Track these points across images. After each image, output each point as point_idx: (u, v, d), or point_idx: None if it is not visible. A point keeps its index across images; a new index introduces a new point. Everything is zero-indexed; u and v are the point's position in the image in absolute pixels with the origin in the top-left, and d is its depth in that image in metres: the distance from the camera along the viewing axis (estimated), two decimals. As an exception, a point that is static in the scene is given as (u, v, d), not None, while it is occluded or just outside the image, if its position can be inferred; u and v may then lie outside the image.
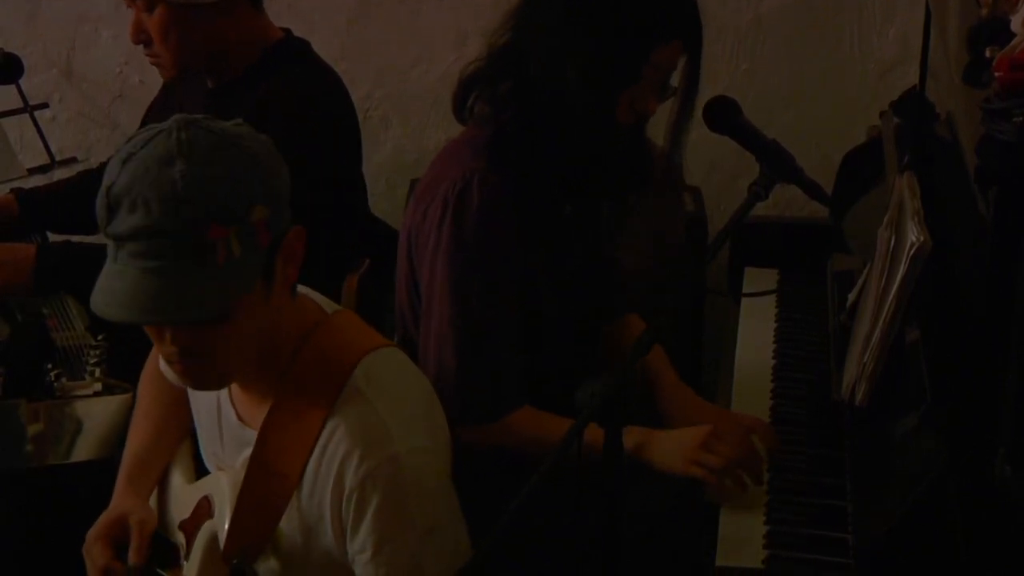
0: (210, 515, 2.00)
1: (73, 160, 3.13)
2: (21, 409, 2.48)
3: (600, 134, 2.30)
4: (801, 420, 2.46)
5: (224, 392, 2.00)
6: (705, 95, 2.28)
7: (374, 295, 2.72)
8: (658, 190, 2.72)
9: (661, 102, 2.35)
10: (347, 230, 2.68)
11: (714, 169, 3.64)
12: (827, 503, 2.20)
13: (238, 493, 1.95)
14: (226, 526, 1.96)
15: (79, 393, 2.50)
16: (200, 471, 2.13)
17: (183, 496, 2.10)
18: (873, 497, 2.08)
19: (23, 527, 2.51)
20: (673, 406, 2.48)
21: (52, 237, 3.03)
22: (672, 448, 2.26)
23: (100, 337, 2.58)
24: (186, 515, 2.06)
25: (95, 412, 2.49)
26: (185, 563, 2.04)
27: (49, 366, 2.54)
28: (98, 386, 2.51)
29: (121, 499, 2.09)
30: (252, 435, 1.95)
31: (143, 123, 2.92)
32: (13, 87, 3.04)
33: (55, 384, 2.50)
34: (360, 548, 1.89)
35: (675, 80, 2.35)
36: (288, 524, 1.94)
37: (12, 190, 3.00)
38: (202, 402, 2.08)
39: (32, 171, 3.08)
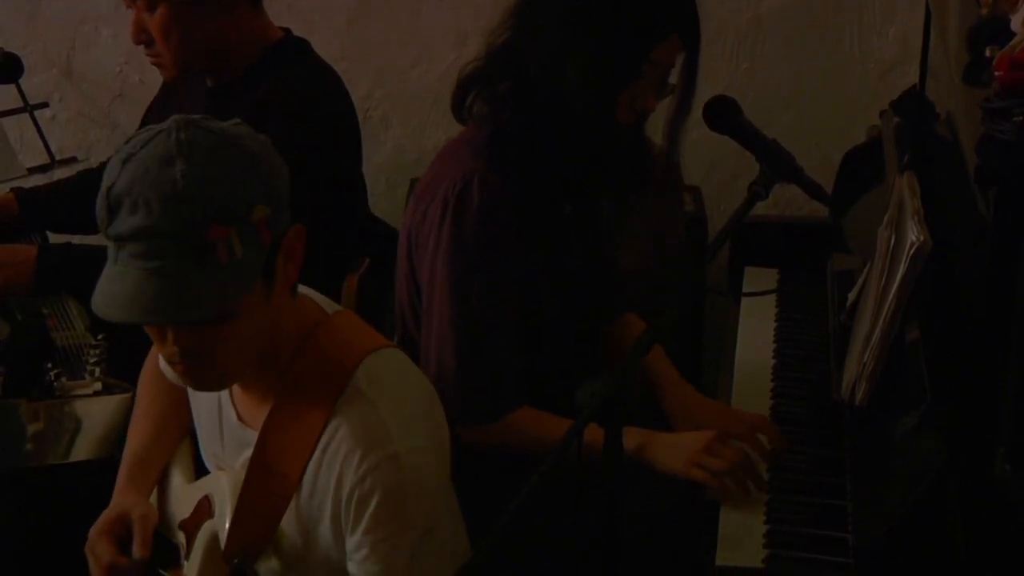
0: (210, 515, 2.00)
1: (73, 160, 3.13)
2: (21, 408, 2.48)
3: (600, 134, 2.30)
4: (801, 420, 2.46)
5: (225, 393, 2.00)
6: (705, 95, 2.28)
7: (374, 295, 2.72)
8: (658, 190, 2.73)
9: (660, 100, 2.35)
10: (347, 230, 2.68)
11: (714, 169, 3.64)
12: (827, 502, 2.20)
13: (239, 493, 1.95)
14: (227, 526, 1.96)
15: (79, 393, 2.50)
16: (200, 471, 2.13)
17: (183, 496, 2.10)
18: (873, 497, 2.08)
19: (23, 527, 2.51)
20: (675, 404, 2.48)
21: (52, 237, 3.04)
22: (675, 450, 2.26)
23: (100, 337, 2.58)
24: (186, 515, 2.06)
25: (95, 412, 2.49)
26: (185, 563, 2.04)
27: (49, 366, 2.54)
28: (98, 386, 2.51)
29: (122, 496, 2.09)
30: (253, 436, 1.95)
31: (143, 123, 2.92)
32: (13, 87, 3.04)
33: (55, 384, 2.50)
34: (356, 547, 1.89)
35: (674, 78, 2.35)
36: (288, 524, 1.94)
37: (12, 189, 3.00)
38: (202, 402, 2.08)
39: (32, 171, 3.08)
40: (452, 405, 2.10)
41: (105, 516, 2.05)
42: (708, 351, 3.34)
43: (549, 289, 2.39)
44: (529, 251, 2.34)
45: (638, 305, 2.67)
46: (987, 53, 2.06)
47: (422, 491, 1.89)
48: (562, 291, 2.41)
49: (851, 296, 2.43)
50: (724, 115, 2.23)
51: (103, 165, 2.18)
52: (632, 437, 2.20)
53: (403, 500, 1.87)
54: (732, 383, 2.61)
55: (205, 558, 1.99)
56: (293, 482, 1.91)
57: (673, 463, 2.25)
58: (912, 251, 2.07)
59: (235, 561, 1.96)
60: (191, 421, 2.15)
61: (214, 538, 1.97)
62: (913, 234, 2.08)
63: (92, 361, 2.55)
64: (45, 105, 3.18)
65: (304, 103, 2.65)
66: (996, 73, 1.90)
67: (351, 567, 1.91)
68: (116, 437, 2.40)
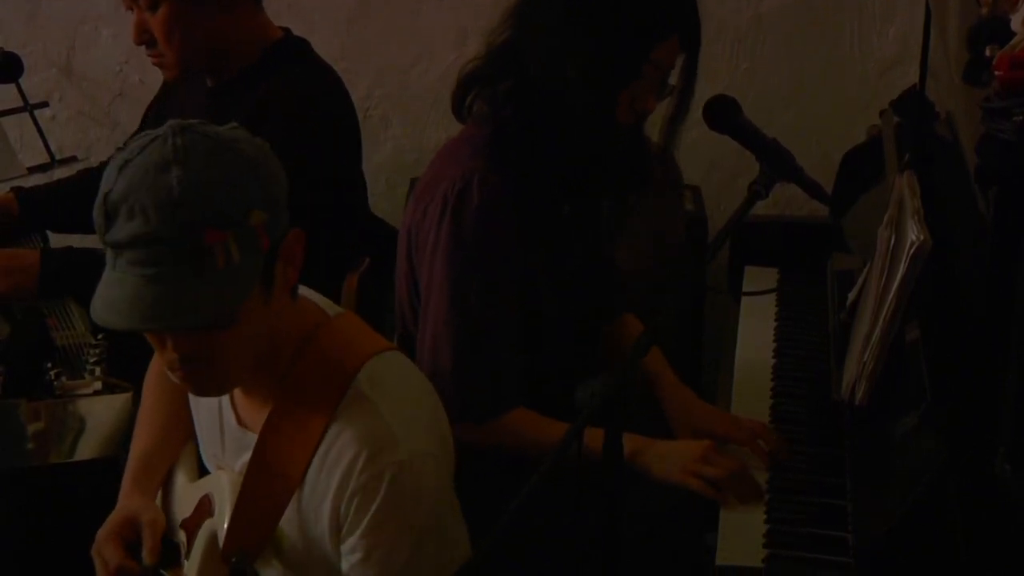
0: (211, 514, 2.00)
1: (73, 159, 3.14)
2: (21, 408, 2.48)
3: (600, 134, 2.30)
4: (801, 419, 2.46)
5: (225, 396, 2.00)
6: (705, 94, 2.28)
7: (374, 295, 2.72)
8: (658, 190, 2.73)
9: (660, 100, 2.35)
10: (347, 230, 2.68)
11: (714, 168, 3.64)
12: (827, 502, 2.20)
13: (238, 493, 1.95)
14: (225, 525, 1.95)
15: (79, 392, 2.50)
16: (203, 471, 2.13)
17: (185, 494, 2.10)
18: (873, 496, 2.08)
19: (24, 527, 2.51)
20: (673, 407, 2.48)
21: (52, 236, 3.04)
22: (671, 458, 2.26)
23: (100, 336, 2.58)
24: (188, 513, 2.06)
25: (95, 411, 2.49)
26: (186, 562, 2.04)
27: (49, 365, 2.53)
28: (98, 385, 2.51)
29: (128, 499, 2.08)
30: (252, 439, 1.95)
31: (143, 122, 2.93)
32: (13, 86, 3.04)
33: (55, 383, 2.50)
34: (351, 549, 1.89)
35: (674, 78, 2.36)
36: (288, 524, 1.94)
37: (12, 189, 3.00)
38: (203, 405, 2.07)
39: (32, 170, 3.08)
40: (450, 404, 2.10)
41: (113, 518, 2.05)
42: (708, 351, 3.35)
43: (549, 289, 2.39)
44: (529, 251, 2.34)
45: (638, 305, 2.67)
46: (987, 53, 2.06)
47: (423, 495, 1.88)
48: (562, 291, 2.41)
49: (851, 295, 2.43)
50: (724, 114, 2.23)
51: (103, 164, 2.19)
52: (628, 444, 2.20)
53: (403, 504, 1.87)
54: (732, 382, 2.61)
55: (204, 557, 1.98)
56: (293, 482, 1.91)
57: (669, 471, 2.25)
58: (912, 251, 2.07)
59: (233, 560, 1.95)
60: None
61: (213, 537, 1.97)
62: (913, 234, 2.07)
63: (92, 361, 2.55)
64: (45, 104, 3.18)
65: (304, 103, 2.65)
66: (996, 73, 1.90)
67: (346, 567, 1.91)
68: (117, 437, 2.40)
